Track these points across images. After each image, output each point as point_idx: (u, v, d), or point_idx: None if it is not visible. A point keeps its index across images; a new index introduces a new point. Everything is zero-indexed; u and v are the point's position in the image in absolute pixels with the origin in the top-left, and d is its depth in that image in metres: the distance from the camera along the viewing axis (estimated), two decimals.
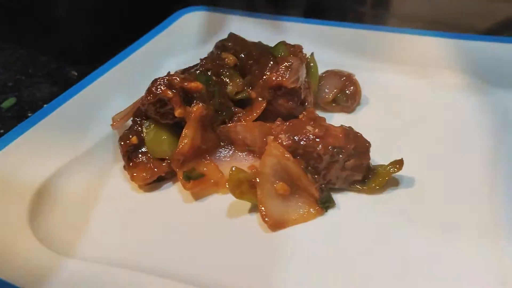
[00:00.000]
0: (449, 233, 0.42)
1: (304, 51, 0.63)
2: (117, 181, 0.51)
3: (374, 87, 0.63)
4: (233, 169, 0.45)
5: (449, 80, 0.62)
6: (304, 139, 0.46)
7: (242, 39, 0.62)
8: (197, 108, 0.49)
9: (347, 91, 0.59)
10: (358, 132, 0.48)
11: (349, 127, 0.49)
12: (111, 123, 0.54)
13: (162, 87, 0.48)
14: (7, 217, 0.44)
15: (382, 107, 0.60)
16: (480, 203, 0.45)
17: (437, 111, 0.58)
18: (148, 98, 0.48)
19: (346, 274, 0.40)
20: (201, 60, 0.56)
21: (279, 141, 0.47)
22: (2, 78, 0.72)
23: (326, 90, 0.60)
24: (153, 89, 0.48)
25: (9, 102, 0.65)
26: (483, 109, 0.57)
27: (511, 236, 0.41)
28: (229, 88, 0.54)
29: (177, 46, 0.71)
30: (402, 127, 0.56)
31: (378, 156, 0.49)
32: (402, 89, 0.62)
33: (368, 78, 0.63)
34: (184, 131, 0.49)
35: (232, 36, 0.62)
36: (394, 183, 0.48)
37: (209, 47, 0.62)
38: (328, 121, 0.51)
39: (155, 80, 0.49)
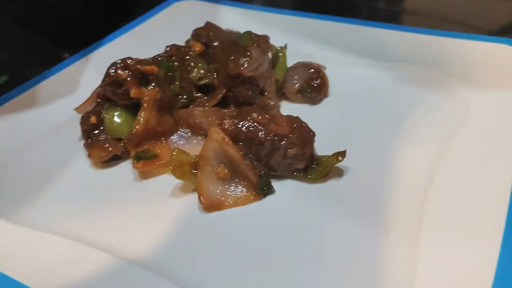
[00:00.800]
0: (377, 227, 0.43)
1: (281, 42, 0.64)
2: (78, 157, 0.54)
3: (346, 81, 0.63)
4: (176, 151, 0.47)
5: (420, 76, 0.61)
6: (246, 125, 0.48)
7: (218, 28, 0.64)
8: (151, 91, 0.51)
9: (313, 83, 0.60)
10: (303, 122, 0.49)
11: (296, 116, 0.49)
12: None
13: (117, 69, 0.50)
14: None
15: (349, 100, 0.60)
16: (413, 200, 0.45)
17: (401, 107, 0.57)
18: (105, 80, 0.51)
19: (269, 260, 0.41)
20: (167, 47, 0.57)
21: (223, 126, 0.48)
22: None
23: (293, 81, 0.60)
24: (109, 71, 0.50)
25: (1, 80, 0.69)
26: (445, 106, 0.56)
27: (433, 236, 0.40)
28: (193, 74, 0.56)
29: (164, 34, 0.73)
30: (362, 120, 0.56)
31: (329, 148, 0.49)
32: (374, 84, 0.62)
33: (342, 72, 0.64)
34: (139, 113, 0.51)
35: (208, 24, 0.64)
36: (338, 174, 0.49)
37: None
38: (290, 112, 0.51)
39: (112, 63, 0.51)
